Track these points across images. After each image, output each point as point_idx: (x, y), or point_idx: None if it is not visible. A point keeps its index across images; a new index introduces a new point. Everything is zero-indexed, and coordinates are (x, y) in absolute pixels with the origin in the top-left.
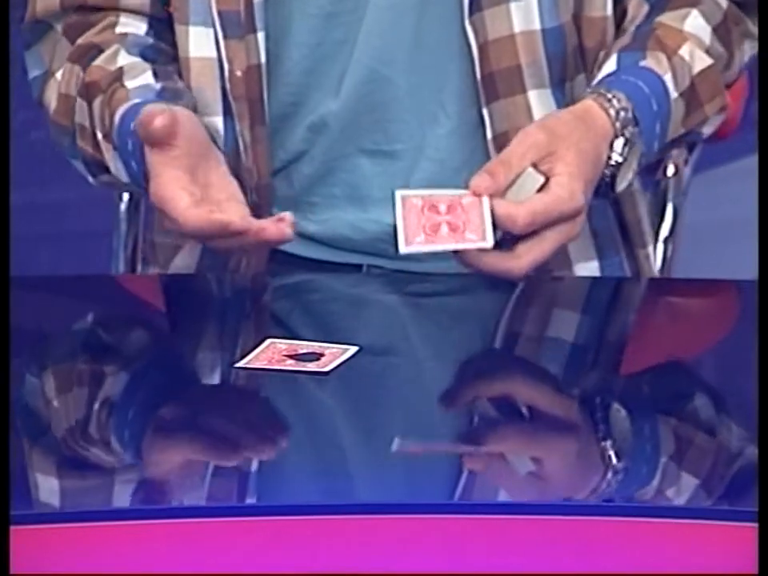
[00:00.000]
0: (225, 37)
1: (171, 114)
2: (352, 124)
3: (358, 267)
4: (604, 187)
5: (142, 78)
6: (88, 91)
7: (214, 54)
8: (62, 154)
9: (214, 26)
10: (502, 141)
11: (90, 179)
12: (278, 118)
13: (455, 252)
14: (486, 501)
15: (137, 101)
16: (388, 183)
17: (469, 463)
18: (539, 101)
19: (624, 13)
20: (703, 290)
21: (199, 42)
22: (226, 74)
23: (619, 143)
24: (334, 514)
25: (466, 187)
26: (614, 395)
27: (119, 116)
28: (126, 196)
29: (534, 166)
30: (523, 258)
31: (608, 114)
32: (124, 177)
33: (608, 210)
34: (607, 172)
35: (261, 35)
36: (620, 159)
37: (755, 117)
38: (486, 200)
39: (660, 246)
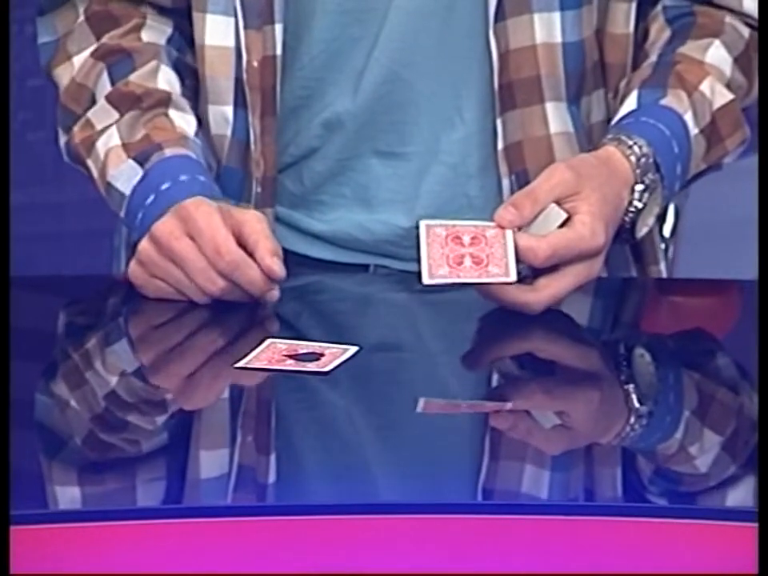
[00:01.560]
0: (245, 27)
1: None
2: (367, 124)
3: (364, 267)
4: (625, 233)
5: (185, 122)
6: (122, 101)
7: (231, 44)
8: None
9: (235, 15)
10: (513, 151)
11: (65, 157)
12: (290, 111)
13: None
14: (487, 501)
15: (176, 153)
16: (398, 185)
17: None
18: (556, 113)
19: (646, 33)
20: (704, 289)
21: (216, 31)
22: (243, 63)
23: (639, 189)
24: (337, 514)
25: (479, 197)
26: (614, 399)
27: (158, 157)
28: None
29: (557, 203)
30: (542, 292)
31: (629, 161)
32: (112, 179)
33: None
34: (627, 219)
35: (278, 27)
36: (640, 205)
37: (755, 117)
38: (509, 233)
39: (662, 247)
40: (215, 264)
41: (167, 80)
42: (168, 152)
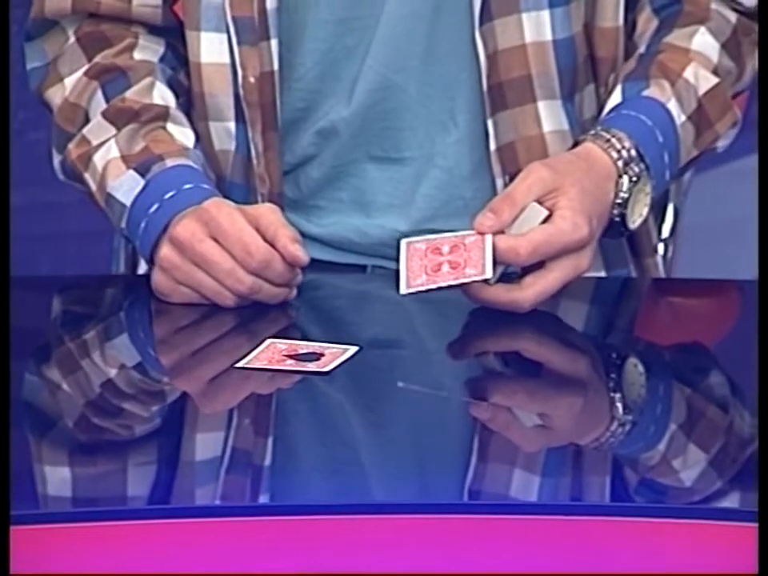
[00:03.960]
0: (239, 43)
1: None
2: (362, 130)
3: (362, 268)
4: (616, 227)
5: (183, 136)
6: (119, 116)
7: (227, 60)
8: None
9: (228, 32)
10: (506, 152)
11: (60, 176)
12: (288, 123)
13: (463, 287)
14: (486, 501)
15: (177, 163)
16: (395, 189)
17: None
18: (549, 112)
19: (634, 24)
20: (703, 289)
21: (211, 48)
22: (240, 80)
23: (624, 181)
24: (335, 514)
25: (475, 199)
26: (612, 403)
27: (159, 167)
28: None
29: (538, 202)
30: (528, 290)
31: (608, 155)
32: (115, 194)
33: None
34: (615, 211)
35: (274, 42)
36: (626, 196)
37: (755, 117)
38: (488, 237)
39: (660, 246)
40: (246, 264)
41: (162, 96)
42: (169, 162)
